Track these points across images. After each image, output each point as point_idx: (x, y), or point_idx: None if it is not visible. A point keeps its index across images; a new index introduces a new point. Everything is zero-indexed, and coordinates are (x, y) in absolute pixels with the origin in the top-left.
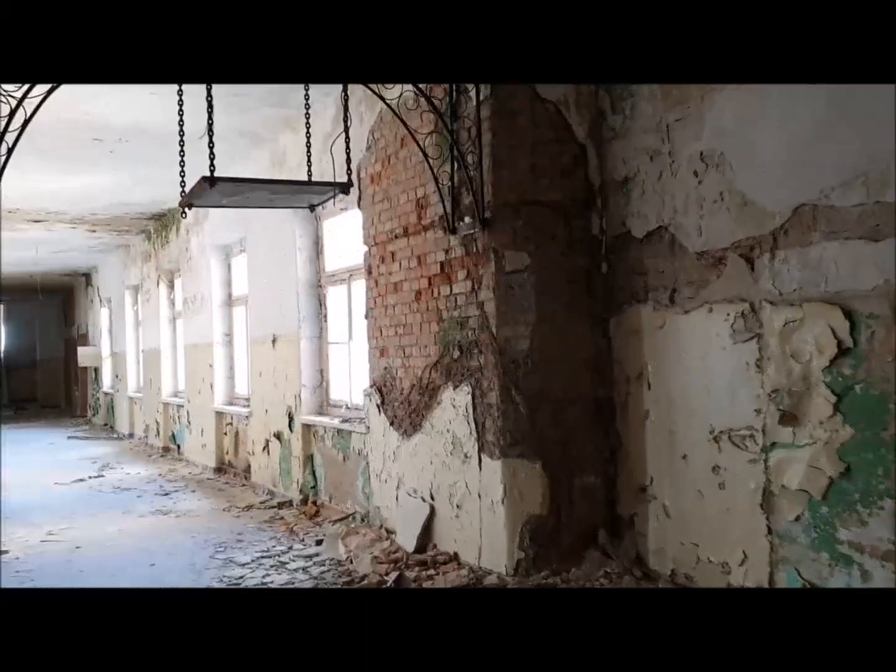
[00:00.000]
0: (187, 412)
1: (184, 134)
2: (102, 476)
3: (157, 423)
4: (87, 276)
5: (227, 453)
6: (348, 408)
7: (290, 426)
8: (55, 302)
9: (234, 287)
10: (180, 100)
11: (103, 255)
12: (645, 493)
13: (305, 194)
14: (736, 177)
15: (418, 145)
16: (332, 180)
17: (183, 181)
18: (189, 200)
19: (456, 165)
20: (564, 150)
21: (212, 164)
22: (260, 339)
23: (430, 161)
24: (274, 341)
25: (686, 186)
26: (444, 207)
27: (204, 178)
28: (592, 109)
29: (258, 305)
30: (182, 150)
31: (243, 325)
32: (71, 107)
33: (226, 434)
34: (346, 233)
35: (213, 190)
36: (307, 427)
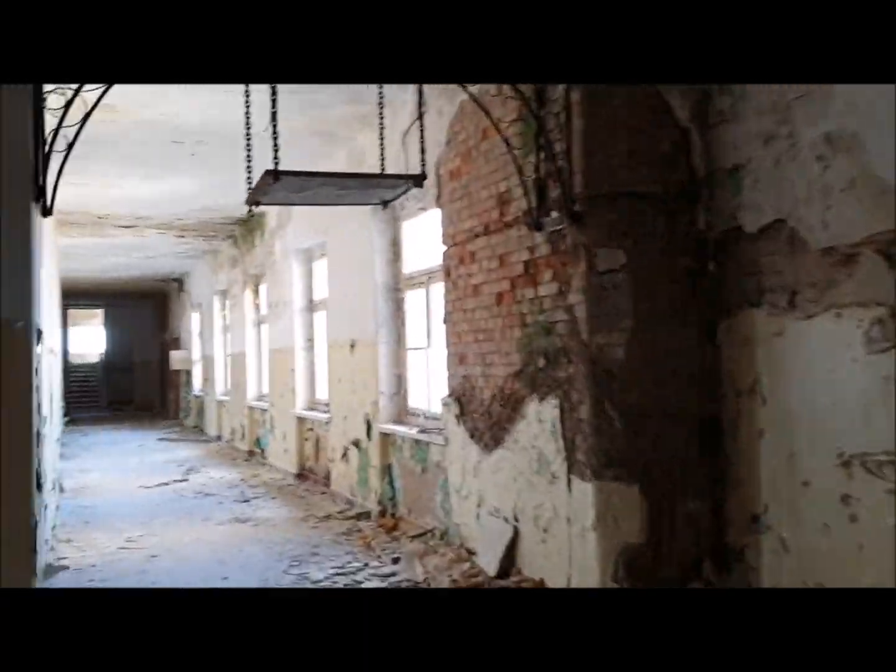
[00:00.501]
0: (271, 416)
1: (250, 126)
2: (186, 480)
3: (243, 426)
4: (179, 282)
5: (308, 459)
6: (426, 417)
7: (368, 434)
8: (151, 307)
9: (316, 291)
10: (247, 97)
11: (193, 261)
12: (758, 523)
13: (377, 189)
14: (872, 160)
15: (501, 135)
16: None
17: (249, 177)
18: (255, 197)
19: (542, 155)
20: (664, 136)
21: (276, 157)
22: (338, 344)
23: (514, 152)
24: (352, 346)
25: (809, 173)
26: (529, 202)
27: (267, 172)
28: (696, 90)
29: (337, 310)
30: (249, 145)
31: (324, 330)
32: (148, 108)
33: (307, 440)
34: (424, 234)
35: (278, 185)
36: (385, 436)
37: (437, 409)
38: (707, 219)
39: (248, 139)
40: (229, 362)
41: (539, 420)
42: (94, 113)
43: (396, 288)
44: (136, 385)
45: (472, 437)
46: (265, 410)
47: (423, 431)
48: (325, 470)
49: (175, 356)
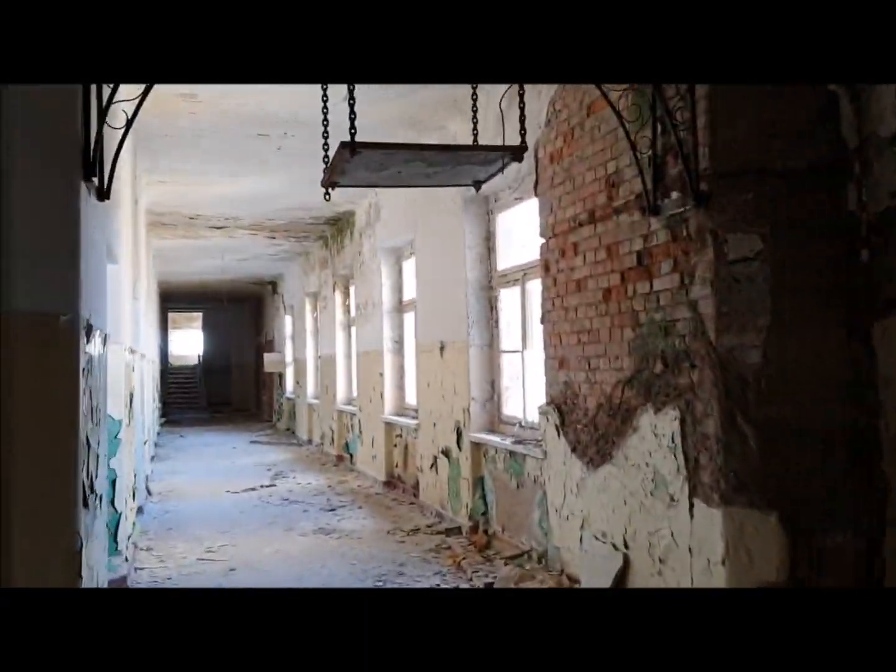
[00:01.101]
0: (359, 421)
1: (326, 99)
2: (273, 485)
3: (332, 430)
4: (273, 285)
5: (397, 466)
6: (522, 426)
7: (458, 443)
8: (247, 310)
9: (405, 292)
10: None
11: (286, 263)
12: None
13: (469, 166)
14: None
15: (612, 107)
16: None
17: (326, 156)
18: (331, 178)
19: (659, 128)
20: (807, 101)
21: (352, 127)
22: (427, 346)
23: (626, 125)
24: (442, 349)
25: None
26: (644, 182)
27: (343, 145)
28: None
29: (426, 311)
30: (326, 120)
31: (413, 332)
32: (230, 97)
33: (395, 446)
34: (520, 227)
35: (356, 161)
36: (476, 445)
37: (533, 417)
38: (860, 198)
39: (326, 113)
40: (320, 365)
41: (655, 434)
42: (178, 103)
43: (489, 286)
44: (234, 387)
45: (574, 450)
46: (354, 415)
47: (518, 442)
48: (413, 479)
49: (268, 358)
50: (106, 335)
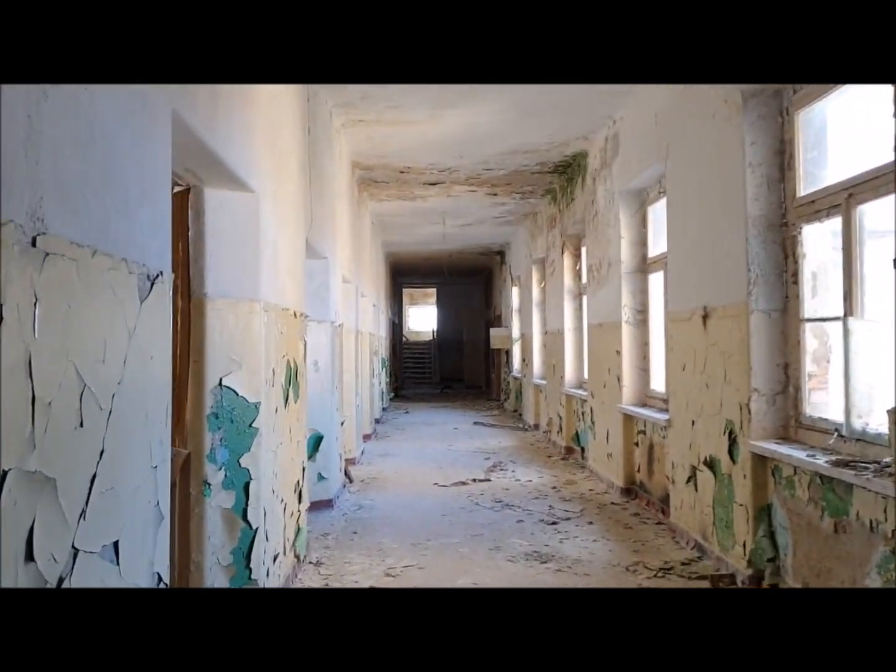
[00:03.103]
0: (590, 409)
1: None
2: (488, 480)
3: (560, 417)
4: (501, 255)
5: (639, 471)
6: (842, 436)
7: (730, 452)
8: (478, 284)
9: (650, 246)
10: None
11: (513, 229)
12: None
13: None
14: None
15: None
16: None
17: None
18: None
19: None
20: None
21: None
22: (683, 314)
23: None
24: (704, 317)
25: None
26: None
27: None
28: None
29: (681, 266)
30: None
31: (660, 299)
32: None
33: (637, 445)
34: (841, 125)
35: None
36: (760, 459)
37: (869, 423)
38: None
39: None
40: (545, 341)
41: None
42: None
43: (782, 222)
44: (466, 363)
45: None
46: (584, 401)
47: (840, 463)
48: (661, 490)
49: (494, 334)
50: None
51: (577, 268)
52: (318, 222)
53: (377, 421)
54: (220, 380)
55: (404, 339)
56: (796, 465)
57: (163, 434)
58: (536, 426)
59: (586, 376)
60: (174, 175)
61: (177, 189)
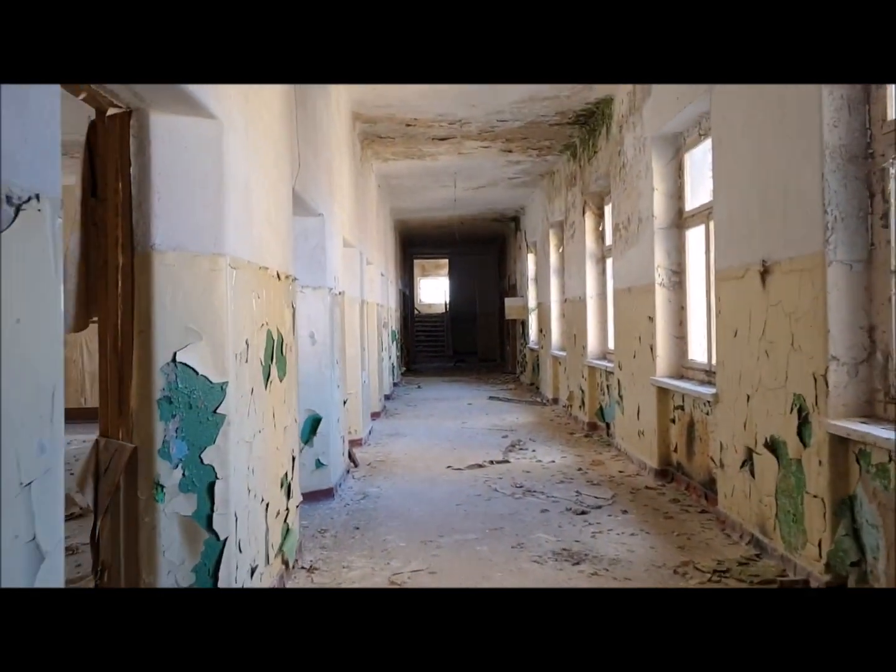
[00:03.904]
0: (617, 381)
1: None
2: (507, 462)
3: (582, 391)
4: (515, 221)
5: (675, 451)
6: None
7: (800, 433)
8: (492, 254)
9: (688, 198)
10: None
11: (528, 192)
12: None
13: None
14: None
15: None
16: None
17: None
18: None
19: None
20: None
21: None
22: (735, 272)
23: None
24: (763, 274)
25: None
26: None
27: None
28: None
29: (731, 215)
30: None
31: (700, 257)
32: None
33: (673, 421)
34: None
35: None
36: (840, 441)
37: None
38: None
39: None
40: (567, 310)
41: None
42: None
43: (867, 153)
44: (479, 335)
45: None
46: (610, 373)
47: None
48: (704, 473)
49: (509, 304)
50: None
51: (601, 229)
52: (309, 172)
53: (387, 397)
54: (174, 355)
55: (416, 311)
56: (890, 448)
57: (45, 433)
58: (555, 400)
59: (612, 346)
60: (107, 92)
61: (112, 111)
